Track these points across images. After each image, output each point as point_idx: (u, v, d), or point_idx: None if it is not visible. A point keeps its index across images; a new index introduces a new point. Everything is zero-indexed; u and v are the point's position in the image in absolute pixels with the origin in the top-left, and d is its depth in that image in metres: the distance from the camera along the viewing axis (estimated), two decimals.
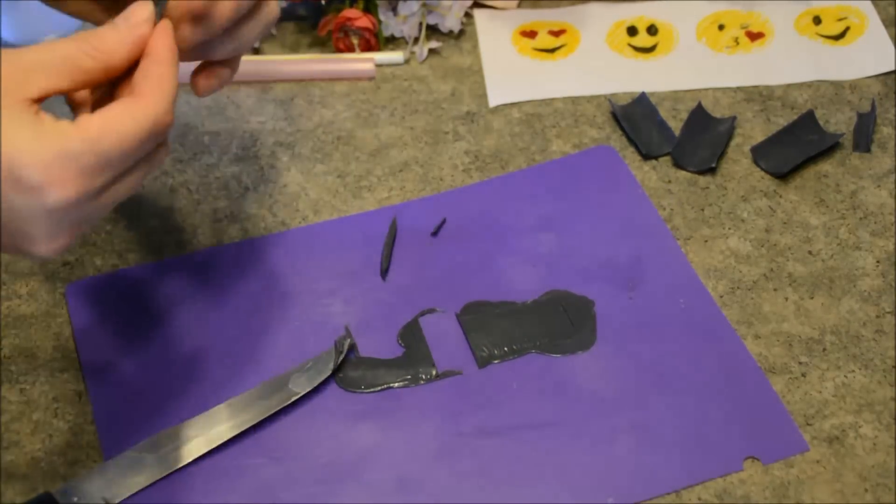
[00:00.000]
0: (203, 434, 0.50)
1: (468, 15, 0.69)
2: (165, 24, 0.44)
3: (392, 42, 0.68)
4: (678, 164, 0.62)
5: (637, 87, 0.65)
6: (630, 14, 0.69)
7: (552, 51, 0.67)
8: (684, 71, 0.66)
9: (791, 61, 0.66)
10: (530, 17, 0.69)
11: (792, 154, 0.61)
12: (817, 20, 0.68)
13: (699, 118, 0.64)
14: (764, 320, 0.55)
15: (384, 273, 0.57)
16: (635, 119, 0.63)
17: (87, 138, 0.40)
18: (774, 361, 0.54)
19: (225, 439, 0.50)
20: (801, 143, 0.62)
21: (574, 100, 0.66)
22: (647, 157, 0.62)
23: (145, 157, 0.43)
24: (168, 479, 0.49)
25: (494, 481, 0.49)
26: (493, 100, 0.65)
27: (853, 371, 0.53)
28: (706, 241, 0.59)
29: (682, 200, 0.61)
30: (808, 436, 0.51)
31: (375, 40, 0.66)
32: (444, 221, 0.59)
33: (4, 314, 0.55)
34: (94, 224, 0.45)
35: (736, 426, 0.51)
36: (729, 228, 0.59)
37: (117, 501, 0.48)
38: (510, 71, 0.67)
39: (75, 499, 0.48)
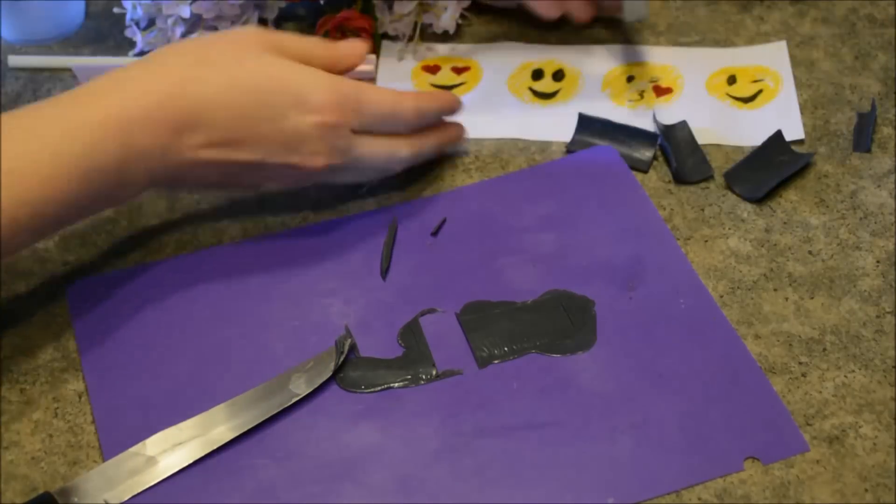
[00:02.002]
0: (203, 434, 0.50)
1: (464, 16, 0.69)
2: None
3: (385, 39, 0.69)
4: (679, 180, 0.61)
5: (524, 133, 0.63)
6: (541, 57, 0.67)
7: (450, 88, 0.66)
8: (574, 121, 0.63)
9: (691, 120, 0.62)
10: (440, 51, 0.68)
11: (765, 178, 0.60)
12: (732, 79, 0.66)
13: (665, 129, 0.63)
14: (764, 320, 0.55)
15: (384, 273, 0.57)
16: (675, 144, 0.62)
17: (355, 86, 0.54)
18: (774, 361, 0.54)
19: (225, 440, 0.50)
20: (772, 165, 0.61)
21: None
22: (678, 180, 0.61)
23: (387, 135, 0.56)
24: (168, 480, 0.49)
25: (494, 481, 0.49)
26: None
27: (853, 371, 0.53)
28: (706, 241, 0.59)
29: (682, 200, 0.61)
30: (808, 436, 0.51)
31: (372, 41, 0.66)
32: (444, 221, 0.59)
33: (4, 314, 0.55)
34: (345, 159, 0.54)
35: (736, 426, 0.51)
36: (729, 228, 0.59)
37: (117, 502, 0.48)
38: None
39: (75, 499, 0.48)
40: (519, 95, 0.65)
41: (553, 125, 0.63)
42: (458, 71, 0.67)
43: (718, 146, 0.63)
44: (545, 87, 0.66)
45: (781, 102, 0.64)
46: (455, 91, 0.66)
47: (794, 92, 0.65)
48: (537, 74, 0.66)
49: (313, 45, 0.56)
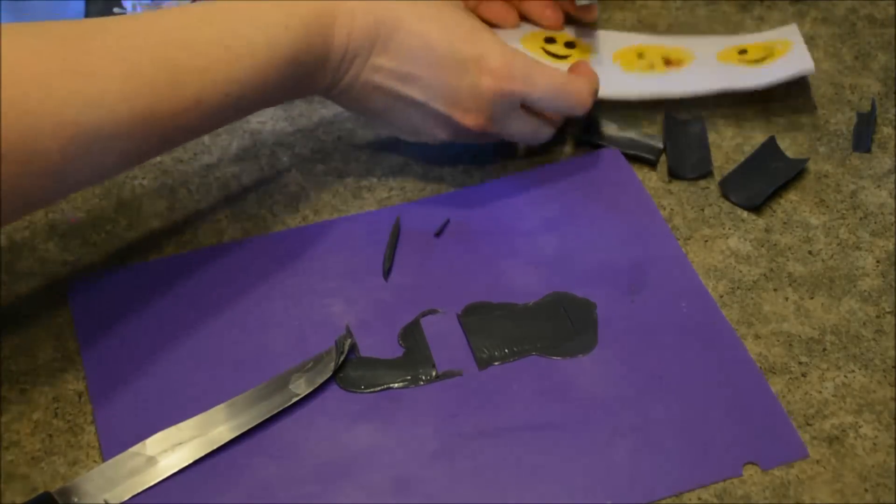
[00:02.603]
0: (203, 434, 0.50)
1: None
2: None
3: None
4: (675, 175, 0.62)
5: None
6: (552, 31, 0.67)
7: (563, 58, 0.66)
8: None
9: (703, 78, 0.63)
10: None
11: (760, 185, 0.60)
12: (743, 52, 0.66)
13: (675, 125, 0.64)
14: (764, 320, 0.55)
15: (386, 273, 0.57)
16: (681, 138, 0.63)
17: (530, 62, 0.56)
18: (774, 361, 0.54)
19: (225, 440, 0.50)
20: (768, 172, 0.61)
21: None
22: (674, 175, 0.61)
23: (540, 119, 0.59)
24: (168, 480, 0.49)
25: (493, 483, 0.49)
26: None
27: (853, 371, 0.53)
28: (706, 241, 0.59)
29: (682, 200, 0.61)
30: (808, 436, 0.51)
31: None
32: (447, 222, 0.59)
33: (4, 314, 0.55)
34: (496, 128, 0.58)
35: (736, 431, 0.51)
36: (729, 228, 0.59)
37: (117, 502, 0.48)
38: None
39: (75, 499, 0.48)
40: (533, 51, 0.64)
41: None
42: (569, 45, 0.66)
43: (719, 146, 0.63)
44: (557, 50, 0.65)
45: (792, 53, 0.64)
46: None
47: (805, 48, 0.65)
48: (550, 40, 0.66)
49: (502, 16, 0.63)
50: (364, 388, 0.52)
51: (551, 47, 0.65)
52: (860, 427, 0.51)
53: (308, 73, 0.53)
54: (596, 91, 0.59)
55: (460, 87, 0.55)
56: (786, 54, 0.64)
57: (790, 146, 0.63)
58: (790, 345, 0.54)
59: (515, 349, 0.54)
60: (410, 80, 0.54)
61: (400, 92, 0.55)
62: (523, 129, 0.59)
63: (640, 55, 0.65)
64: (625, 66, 0.65)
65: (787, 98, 0.66)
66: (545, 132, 0.60)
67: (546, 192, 0.61)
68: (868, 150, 0.63)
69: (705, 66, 0.64)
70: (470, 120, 0.56)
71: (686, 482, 0.49)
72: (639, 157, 0.62)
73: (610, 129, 0.64)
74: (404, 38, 0.54)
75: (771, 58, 0.64)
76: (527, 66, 0.56)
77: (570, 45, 0.66)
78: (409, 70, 0.54)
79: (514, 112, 0.57)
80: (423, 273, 0.57)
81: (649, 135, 0.63)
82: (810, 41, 0.69)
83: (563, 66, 0.63)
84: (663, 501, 0.49)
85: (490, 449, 0.50)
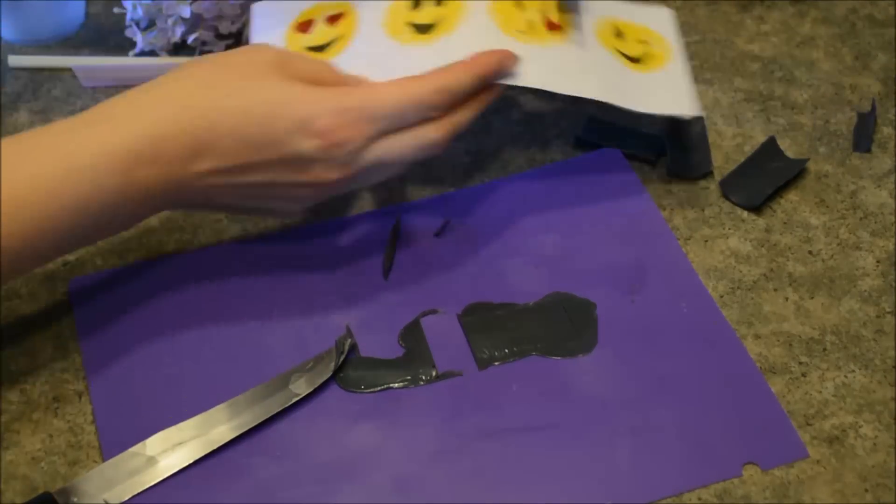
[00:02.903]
0: (203, 435, 0.50)
1: None
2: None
3: None
4: (675, 175, 0.62)
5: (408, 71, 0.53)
6: None
7: (323, 48, 0.58)
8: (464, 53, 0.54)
9: (587, 74, 0.56)
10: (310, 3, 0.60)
11: (760, 185, 0.60)
12: (619, 34, 0.60)
13: (675, 125, 0.63)
14: (764, 320, 0.55)
15: (386, 273, 0.57)
16: (681, 138, 0.62)
17: (363, 96, 0.50)
18: (774, 361, 0.54)
19: (225, 440, 0.50)
20: (767, 172, 0.61)
21: (574, 99, 0.66)
22: (673, 175, 0.61)
23: (410, 128, 0.52)
24: (168, 480, 0.49)
25: (493, 483, 0.49)
26: None
27: (853, 371, 0.53)
28: (706, 241, 0.59)
29: (683, 200, 0.61)
30: (808, 436, 0.51)
31: None
32: (447, 222, 0.59)
33: (4, 314, 0.55)
34: (361, 167, 0.52)
35: (736, 432, 0.51)
36: (729, 228, 0.59)
37: (117, 502, 0.48)
38: None
39: (75, 499, 0.48)
40: (398, 37, 0.56)
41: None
42: (333, 20, 0.59)
43: (719, 146, 0.63)
44: (426, 16, 0.56)
45: (671, 73, 0.59)
46: (330, 50, 0.58)
47: (684, 64, 0.61)
48: (416, 2, 0.57)
49: (323, 66, 0.53)
50: (364, 388, 0.52)
51: (418, 15, 0.57)
52: (860, 427, 0.51)
53: (115, 214, 0.49)
54: (447, 88, 0.51)
55: (294, 157, 0.50)
56: (665, 66, 0.59)
57: (790, 146, 0.63)
58: (790, 345, 0.54)
59: (515, 349, 0.54)
60: (245, 169, 0.50)
61: (241, 181, 0.51)
62: (401, 149, 0.52)
63: (521, 6, 0.57)
64: (503, 26, 0.55)
65: (787, 98, 0.66)
66: (432, 136, 0.52)
67: (546, 192, 0.61)
68: (868, 150, 0.63)
69: (587, 47, 0.57)
70: (327, 176, 0.51)
71: (686, 482, 0.49)
72: (639, 157, 0.62)
73: (610, 129, 0.64)
74: (216, 136, 0.49)
75: (650, 62, 0.60)
76: (358, 105, 0.50)
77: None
78: (238, 161, 0.50)
79: (371, 147, 0.51)
80: (423, 273, 0.57)
81: (649, 135, 0.63)
82: (810, 41, 0.69)
83: (435, 45, 0.55)
84: (663, 501, 0.49)
85: (490, 449, 0.50)
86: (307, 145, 0.49)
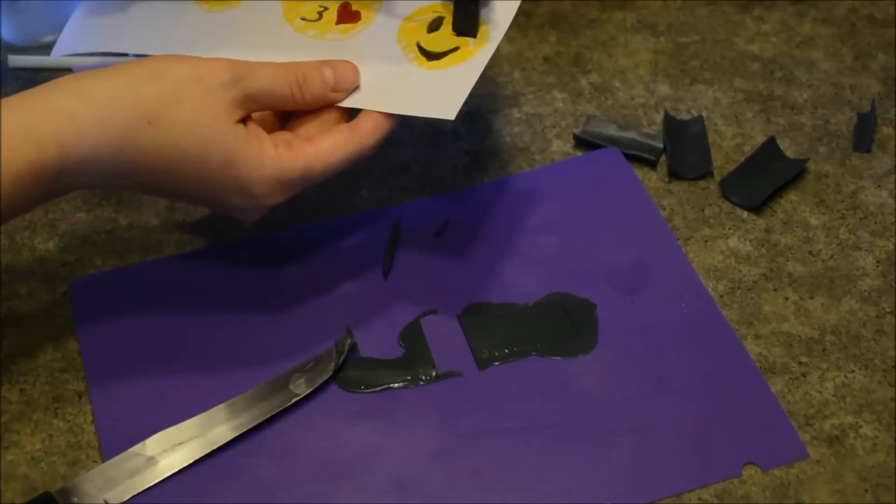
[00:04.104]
0: (203, 435, 0.50)
1: None
2: None
3: None
4: (675, 175, 0.62)
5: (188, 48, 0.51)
6: None
7: None
8: (227, 36, 0.52)
9: (365, 74, 0.52)
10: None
11: (760, 185, 0.60)
12: (435, 25, 0.54)
13: (675, 125, 0.64)
14: (764, 320, 0.55)
15: (386, 273, 0.57)
16: (681, 138, 0.63)
17: (302, 168, 0.49)
18: (774, 362, 0.54)
19: (225, 440, 0.50)
20: (768, 172, 0.61)
21: (574, 100, 0.66)
22: (673, 175, 0.61)
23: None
24: (168, 480, 0.49)
25: (492, 483, 0.49)
26: (58, 49, 0.55)
27: (853, 371, 0.53)
28: (706, 241, 0.59)
29: (682, 200, 0.61)
30: (808, 436, 0.51)
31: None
32: (447, 222, 0.59)
33: (4, 314, 0.55)
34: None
35: (736, 432, 0.51)
36: (729, 228, 0.59)
37: (117, 502, 0.48)
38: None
39: (75, 499, 0.48)
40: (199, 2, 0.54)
41: (206, 39, 0.53)
42: None
43: (719, 146, 0.63)
44: None
45: (464, 70, 0.52)
46: None
47: (484, 62, 0.52)
48: None
49: (286, 91, 0.50)
50: (364, 389, 0.52)
51: None
52: (860, 427, 0.51)
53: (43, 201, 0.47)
54: (384, 136, 0.51)
55: (230, 206, 0.50)
56: (466, 61, 0.52)
57: (790, 146, 0.63)
58: (790, 345, 0.54)
59: (515, 349, 0.53)
60: (171, 195, 0.50)
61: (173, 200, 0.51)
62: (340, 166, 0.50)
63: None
64: (286, 9, 0.53)
65: (787, 98, 0.66)
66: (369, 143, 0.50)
67: (546, 192, 0.61)
68: (868, 150, 0.63)
69: (375, 43, 0.52)
70: (256, 217, 0.52)
71: (686, 482, 0.49)
72: (639, 157, 0.62)
73: (610, 128, 0.64)
74: (150, 172, 0.47)
75: (454, 58, 0.53)
76: (300, 174, 0.49)
77: None
78: (172, 194, 0.50)
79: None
80: (423, 273, 0.57)
81: (649, 134, 0.63)
82: (810, 41, 0.69)
83: (214, 13, 0.52)
84: (663, 501, 0.49)
85: (490, 449, 0.50)
86: (238, 201, 0.49)
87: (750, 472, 0.50)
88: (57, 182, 0.46)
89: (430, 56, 0.53)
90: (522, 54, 0.69)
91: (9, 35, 0.69)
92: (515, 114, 0.65)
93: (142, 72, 0.48)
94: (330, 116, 0.51)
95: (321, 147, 0.50)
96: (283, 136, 0.50)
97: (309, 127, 0.51)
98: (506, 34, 0.54)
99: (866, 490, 0.49)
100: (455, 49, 0.53)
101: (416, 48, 0.53)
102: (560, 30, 0.70)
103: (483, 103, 0.66)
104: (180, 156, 0.47)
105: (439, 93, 0.51)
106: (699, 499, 0.49)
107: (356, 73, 0.51)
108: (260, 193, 0.49)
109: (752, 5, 0.71)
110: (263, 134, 0.49)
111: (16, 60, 0.68)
